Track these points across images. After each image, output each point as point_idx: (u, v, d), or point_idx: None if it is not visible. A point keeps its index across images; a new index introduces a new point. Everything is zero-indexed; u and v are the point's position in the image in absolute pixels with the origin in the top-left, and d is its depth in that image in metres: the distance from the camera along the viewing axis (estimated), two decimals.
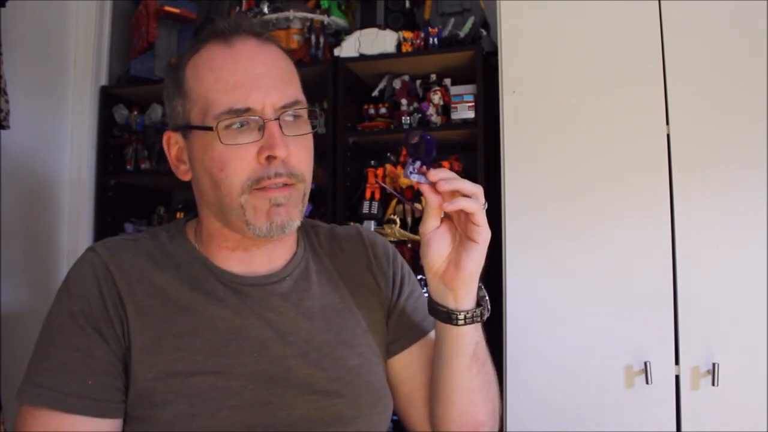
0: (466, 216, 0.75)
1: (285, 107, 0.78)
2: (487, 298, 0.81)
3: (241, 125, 0.77)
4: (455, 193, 0.74)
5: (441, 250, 0.78)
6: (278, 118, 0.77)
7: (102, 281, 0.77)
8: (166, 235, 0.86)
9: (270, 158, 0.76)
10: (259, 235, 0.79)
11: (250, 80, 0.77)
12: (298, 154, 0.79)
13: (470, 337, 0.80)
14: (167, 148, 0.86)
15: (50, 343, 0.76)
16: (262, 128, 0.77)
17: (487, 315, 0.81)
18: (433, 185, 0.75)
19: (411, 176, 0.76)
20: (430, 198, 0.75)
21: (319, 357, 0.80)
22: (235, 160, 0.76)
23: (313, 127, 0.84)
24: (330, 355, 0.81)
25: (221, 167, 0.77)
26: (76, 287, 0.78)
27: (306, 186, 0.82)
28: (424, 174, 0.75)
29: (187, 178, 0.84)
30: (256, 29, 0.82)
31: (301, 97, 0.82)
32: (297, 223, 0.81)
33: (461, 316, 0.79)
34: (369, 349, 0.86)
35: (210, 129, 0.76)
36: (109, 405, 0.74)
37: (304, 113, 0.81)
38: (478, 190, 0.75)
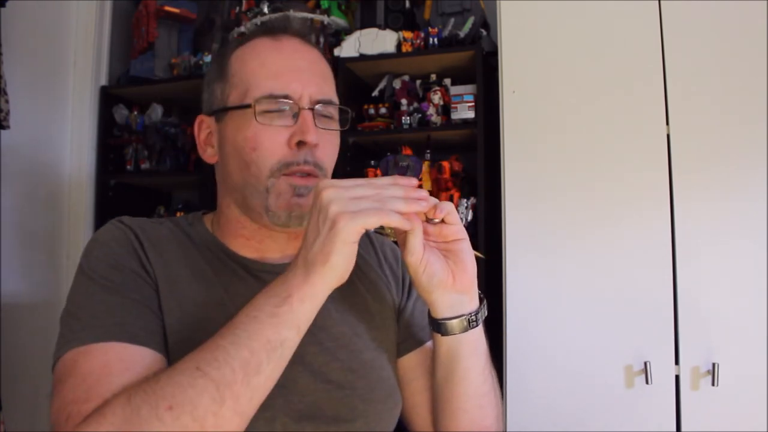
0: (439, 224, 0.75)
1: (320, 101, 0.82)
2: (480, 291, 0.81)
3: (278, 111, 0.80)
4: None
5: (442, 265, 0.76)
6: (312, 108, 0.80)
7: (134, 242, 0.79)
8: (186, 222, 0.89)
9: (300, 144, 0.79)
10: (276, 224, 0.80)
11: (292, 70, 0.81)
12: (326, 147, 0.82)
13: (483, 336, 0.81)
14: (197, 131, 0.89)
15: (101, 292, 0.74)
16: (296, 116, 0.80)
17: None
18: None
19: None
20: (416, 220, 0.72)
21: (334, 347, 0.80)
22: (268, 141, 0.79)
23: (343, 126, 0.86)
24: (345, 347, 0.81)
25: (254, 146, 0.79)
26: (111, 242, 0.78)
27: None
28: None
29: (213, 161, 0.87)
30: (303, 31, 0.87)
31: (336, 99, 0.85)
32: None
33: (479, 315, 0.79)
34: (382, 344, 0.86)
35: (248, 107, 0.80)
36: (163, 341, 0.73)
37: (336, 115, 0.85)
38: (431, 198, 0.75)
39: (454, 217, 0.75)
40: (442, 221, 0.75)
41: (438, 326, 0.79)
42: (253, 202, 0.81)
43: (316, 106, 0.81)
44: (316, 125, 0.80)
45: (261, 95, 0.80)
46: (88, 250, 0.79)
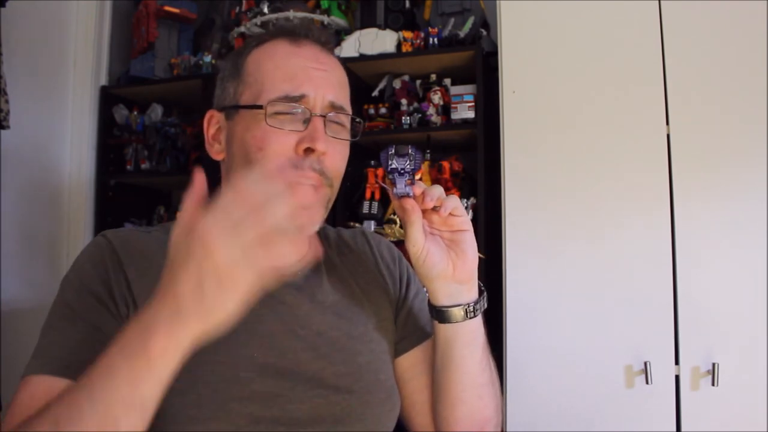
0: (445, 214, 0.77)
1: (334, 107, 0.81)
2: (480, 283, 0.83)
3: (289, 114, 0.79)
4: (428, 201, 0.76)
5: (443, 255, 0.78)
6: (324, 116, 0.80)
7: (109, 264, 0.78)
8: None
9: (308, 151, 0.78)
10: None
11: (307, 74, 0.81)
12: (334, 157, 0.81)
13: (481, 328, 0.82)
14: (206, 126, 0.88)
15: (61, 318, 0.75)
16: (307, 122, 0.79)
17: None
18: (413, 198, 0.76)
19: (407, 189, 0.76)
20: (417, 211, 0.75)
21: (330, 351, 0.80)
22: (275, 144, 0.78)
23: (354, 136, 0.85)
24: (341, 350, 0.81)
25: (261, 146, 0.79)
26: (84, 268, 0.78)
27: (333, 192, 0.83)
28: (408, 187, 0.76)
29: (219, 157, 0.87)
30: (323, 38, 0.86)
31: (349, 107, 0.85)
32: (317, 227, 0.83)
33: (478, 306, 0.80)
34: (379, 345, 0.86)
35: (260, 107, 0.79)
36: None
37: (347, 123, 0.84)
38: (439, 189, 0.77)
39: (460, 210, 0.76)
40: (450, 214, 0.76)
41: (436, 313, 0.81)
42: None
43: (329, 114, 0.80)
44: (326, 133, 0.79)
45: (275, 97, 0.79)
46: (67, 273, 0.79)
